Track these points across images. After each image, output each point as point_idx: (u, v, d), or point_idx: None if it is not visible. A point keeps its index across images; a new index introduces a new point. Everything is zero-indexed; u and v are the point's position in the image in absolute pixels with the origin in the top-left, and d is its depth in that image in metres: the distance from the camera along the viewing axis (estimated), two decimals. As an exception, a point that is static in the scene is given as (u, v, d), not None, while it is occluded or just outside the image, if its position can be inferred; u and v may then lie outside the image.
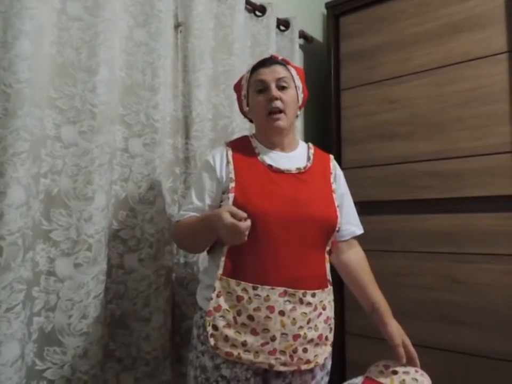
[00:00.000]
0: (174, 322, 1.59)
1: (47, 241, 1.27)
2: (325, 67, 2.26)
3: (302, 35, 2.29)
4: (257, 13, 2.05)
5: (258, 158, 1.28)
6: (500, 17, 1.77)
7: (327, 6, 2.29)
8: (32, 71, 1.18)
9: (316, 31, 2.48)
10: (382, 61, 2.08)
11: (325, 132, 2.25)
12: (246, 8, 1.96)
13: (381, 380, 1.23)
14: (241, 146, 1.32)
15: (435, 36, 1.93)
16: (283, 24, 2.19)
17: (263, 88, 1.28)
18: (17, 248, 1.13)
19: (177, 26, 1.68)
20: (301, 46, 2.32)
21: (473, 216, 1.79)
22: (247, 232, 1.12)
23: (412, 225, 1.94)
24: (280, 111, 1.26)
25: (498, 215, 1.74)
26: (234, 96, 1.81)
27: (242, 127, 1.85)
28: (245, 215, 1.12)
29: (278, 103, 1.25)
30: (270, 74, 1.27)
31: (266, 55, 1.98)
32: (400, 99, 2.01)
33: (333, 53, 2.24)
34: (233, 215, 1.11)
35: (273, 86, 1.26)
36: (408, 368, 1.24)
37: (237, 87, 1.41)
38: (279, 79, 1.27)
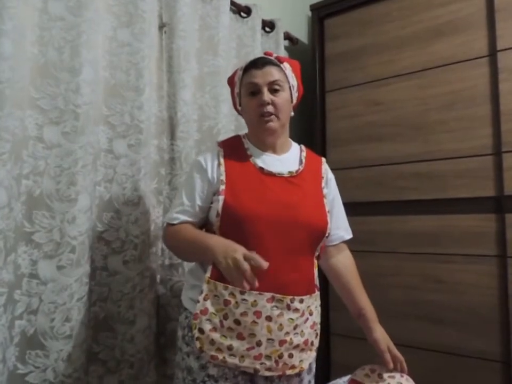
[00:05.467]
0: (158, 324, 1.58)
1: (30, 244, 1.25)
2: (310, 69, 2.27)
3: (287, 37, 2.30)
4: (242, 14, 2.05)
5: (250, 160, 1.27)
6: (481, 21, 1.80)
7: (312, 8, 2.31)
8: (13, 71, 1.16)
9: (301, 33, 2.49)
10: (367, 63, 2.10)
11: (310, 133, 2.26)
12: (231, 9, 1.96)
13: (367, 382, 1.24)
14: (233, 147, 1.30)
15: (418, 39, 1.95)
16: (268, 25, 2.19)
17: (255, 91, 1.24)
18: (-2, 251, 1.11)
19: (161, 26, 1.67)
20: (286, 48, 2.33)
21: (456, 217, 1.82)
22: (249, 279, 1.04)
23: (396, 226, 1.96)
24: (272, 114, 1.24)
25: (481, 216, 1.76)
26: (220, 97, 1.82)
27: (228, 128, 1.85)
28: (261, 262, 1.03)
29: (269, 108, 1.23)
30: (262, 77, 1.23)
31: (252, 56, 2.00)
32: (385, 101, 2.03)
33: (318, 55, 2.26)
34: (246, 258, 1.04)
35: (265, 90, 1.22)
36: (394, 373, 1.26)
37: (231, 82, 1.36)
38: (271, 83, 1.23)
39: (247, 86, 1.26)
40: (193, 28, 1.78)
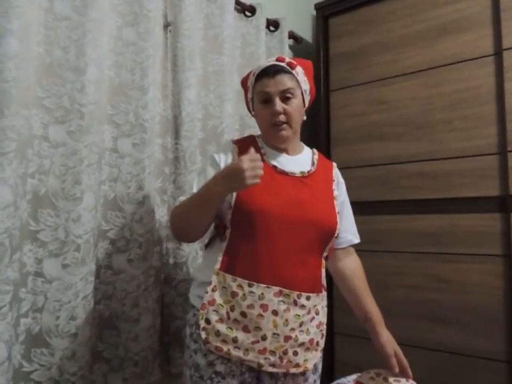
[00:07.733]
0: (162, 323, 1.59)
1: (35, 242, 1.26)
2: (315, 68, 2.24)
3: (292, 36, 2.30)
4: (247, 13, 2.05)
5: (264, 157, 1.28)
6: (486, 19, 1.79)
7: (317, 7, 2.30)
8: (19, 70, 1.17)
9: (306, 32, 2.49)
10: (371, 62, 2.09)
11: (315, 132, 2.26)
12: (235, 8, 1.96)
13: None
14: (247, 145, 1.29)
15: (423, 37, 1.94)
16: (272, 24, 2.19)
17: (267, 99, 1.25)
18: (4, 249, 1.12)
19: (166, 26, 1.67)
20: (290, 47, 2.32)
21: (460, 217, 1.81)
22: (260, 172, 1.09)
23: (400, 226, 1.96)
24: (284, 123, 1.25)
25: (485, 215, 1.76)
26: (225, 96, 1.82)
27: (232, 128, 1.85)
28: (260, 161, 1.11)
29: (281, 117, 1.24)
30: (274, 86, 1.23)
31: (257, 55, 2.00)
32: (389, 100, 2.03)
33: (322, 54, 2.26)
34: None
35: (277, 99, 1.23)
36: (400, 378, 1.25)
37: (244, 84, 1.37)
38: (283, 91, 1.23)
39: (259, 95, 1.27)
40: (198, 27, 1.78)
